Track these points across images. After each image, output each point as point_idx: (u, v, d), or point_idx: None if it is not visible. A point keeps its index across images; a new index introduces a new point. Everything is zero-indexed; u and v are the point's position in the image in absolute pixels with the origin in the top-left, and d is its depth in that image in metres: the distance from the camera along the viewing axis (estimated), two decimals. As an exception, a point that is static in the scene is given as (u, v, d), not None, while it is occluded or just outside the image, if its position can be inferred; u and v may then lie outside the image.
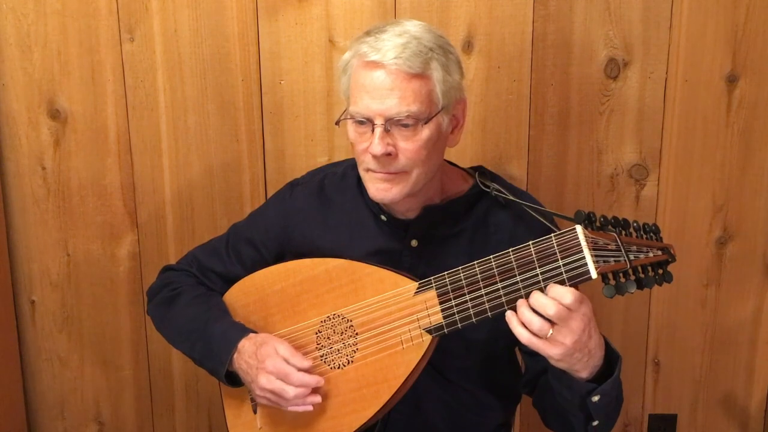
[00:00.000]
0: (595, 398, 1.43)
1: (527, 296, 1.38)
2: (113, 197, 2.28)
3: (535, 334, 1.36)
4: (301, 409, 1.56)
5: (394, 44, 1.47)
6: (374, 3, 2.12)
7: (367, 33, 1.53)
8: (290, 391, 1.54)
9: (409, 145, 1.49)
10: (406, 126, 1.48)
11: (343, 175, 1.74)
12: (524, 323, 1.37)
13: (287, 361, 1.56)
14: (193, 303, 1.76)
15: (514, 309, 1.39)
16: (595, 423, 1.48)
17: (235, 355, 1.62)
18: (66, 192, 2.28)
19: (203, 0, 2.14)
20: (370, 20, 2.12)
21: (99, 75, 2.19)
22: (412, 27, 1.52)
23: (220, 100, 2.20)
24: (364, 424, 1.55)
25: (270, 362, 1.56)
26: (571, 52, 2.13)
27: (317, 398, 1.55)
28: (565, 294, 1.34)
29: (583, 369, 1.41)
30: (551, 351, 1.36)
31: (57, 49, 2.18)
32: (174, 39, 2.16)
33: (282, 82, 2.18)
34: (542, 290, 1.37)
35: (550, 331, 1.35)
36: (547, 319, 1.35)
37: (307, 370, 1.56)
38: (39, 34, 2.17)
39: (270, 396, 1.57)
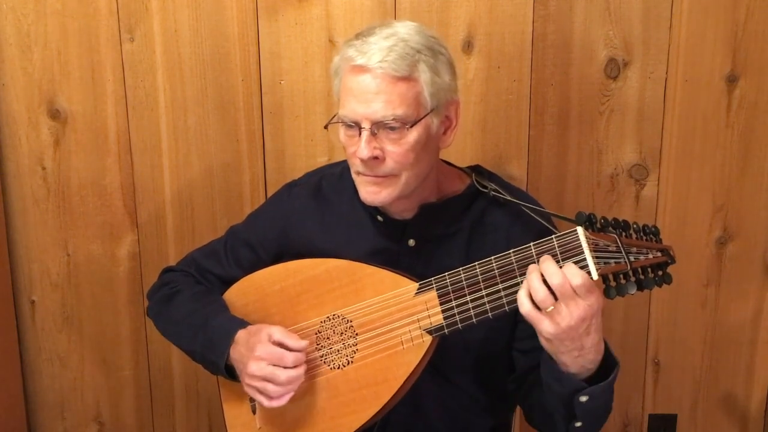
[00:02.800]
0: (583, 398, 1.42)
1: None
2: (113, 197, 2.28)
3: (536, 306, 1.35)
4: (279, 403, 1.54)
5: (379, 47, 1.47)
6: (374, 3, 2.12)
7: (356, 36, 1.53)
8: (281, 375, 1.52)
9: (396, 149, 1.49)
10: (392, 129, 1.48)
11: (340, 176, 1.74)
12: (530, 291, 1.35)
13: (283, 344, 1.55)
14: (192, 299, 1.76)
15: (516, 310, 1.39)
16: (578, 424, 1.46)
17: (232, 347, 1.62)
18: (66, 192, 2.28)
19: (203, 0, 2.14)
20: (370, 20, 2.12)
21: (99, 75, 2.19)
22: (402, 28, 1.51)
23: (220, 100, 2.20)
24: (364, 424, 1.55)
25: (261, 348, 1.54)
26: (571, 52, 2.13)
27: (298, 371, 1.53)
28: (576, 275, 1.33)
29: (572, 363, 1.40)
30: (543, 325, 1.35)
31: (57, 49, 2.18)
32: (174, 39, 2.16)
33: (282, 82, 2.18)
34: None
35: (551, 307, 1.34)
36: (554, 295, 1.34)
37: (303, 348, 1.55)
38: (39, 34, 2.17)
39: (258, 384, 1.54)
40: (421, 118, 1.50)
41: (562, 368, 1.42)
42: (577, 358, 1.39)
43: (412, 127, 1.48)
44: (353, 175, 1.57)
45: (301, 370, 1.54)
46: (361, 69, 1.47)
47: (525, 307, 1.36)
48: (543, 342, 1.39)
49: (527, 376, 1.63)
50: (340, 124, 1.53)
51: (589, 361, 1.40)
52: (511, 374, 1.73)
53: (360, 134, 1.49)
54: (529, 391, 1.61)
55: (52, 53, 2.18)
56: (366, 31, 1.52)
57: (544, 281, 1.34)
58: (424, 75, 1.49)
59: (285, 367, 1.53)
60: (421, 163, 1.53)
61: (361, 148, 1.48)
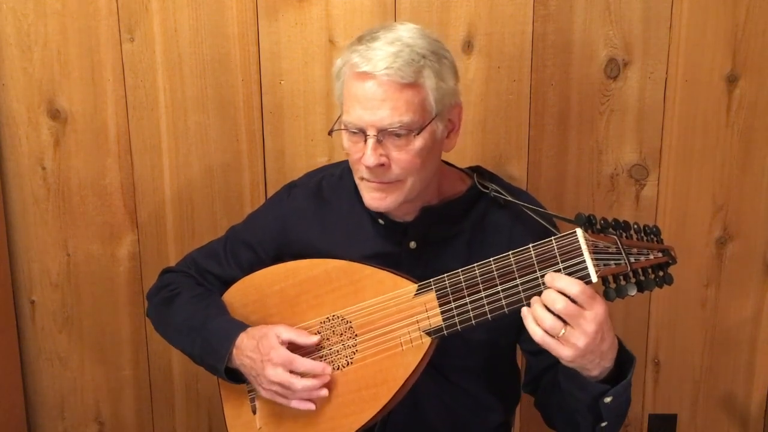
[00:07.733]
0: (608, 399, 1.42)
1: (526, 299, 1.38)
2: (113, 197, 2.28)
3: (548, 333, 1.35)
4: (304, 406, 1.56)
5: (385, 53, 1.45)
6: (374, 3, 2.12)
7: (359, 40, 1.51)
8: (297, 384, 1.53)
9: (402, 155, 1.48)
10: (398, 136, 1.47)
11: (340, 177, 1.73)
12: (536, 320, 1.35)
13: (292, 341, 1.56)
14: (191, 302, 1.75)
15: (516, 312, 1.39)
16: (604, 424, 1.46)
17: (234, 351, 1.61)
18: (66, 192, 2.27)
19: (203, 0, 2.13)
20: (370, 20, 2.11)
21: (99, 75, 2.19)
22: (406, 33, 1.50)
23: (220, 100, 2.20)
24: (364, 425, 1.55)
25: (275, 353, 1.55)
26: (571, 52, 2.13)
27: (323, 392, 1.54)
28: (571, 285, 1.33)
29: (595, 368, 1.40)
30: (563, 352, 1.35)
31: (57, 49, 2.18)
32: (174, 39, 2.16)
33: (282, 82, 2.18)
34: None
35: (563, 331, 1.33)
36: (561, 318, 1.34)
37: (315, 344, 1.57)
38: (39, 34, 2.17)
39: (278, 389, 1.56)
40: (427, 125, 1.49)
41: (585, 374, 1.41)
42: (600, 363, 1.39)
43: (418, 134, 1.48)
44: (357, 180, 1.57)
45: (316, 381, 1.55)
46: (366, 76, 1.46)
47: (538, 334, 1.35)
48: (566, 363, 1.39)
49: (541, 379, 1.63)
50: (344, 130, 1.52)
51: (609, 360, 1.41)
52: (516, 376, 1.74)
53: (365, 141, 1.48)
54: (548, 395, 1.61)
55: (52, 53, 2.18)
56: (369, 36, 1.50)
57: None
58: (429, 81, 1.48)
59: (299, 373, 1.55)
60: (426, 168, 1.53)
61: (366, 156, 1.47)
